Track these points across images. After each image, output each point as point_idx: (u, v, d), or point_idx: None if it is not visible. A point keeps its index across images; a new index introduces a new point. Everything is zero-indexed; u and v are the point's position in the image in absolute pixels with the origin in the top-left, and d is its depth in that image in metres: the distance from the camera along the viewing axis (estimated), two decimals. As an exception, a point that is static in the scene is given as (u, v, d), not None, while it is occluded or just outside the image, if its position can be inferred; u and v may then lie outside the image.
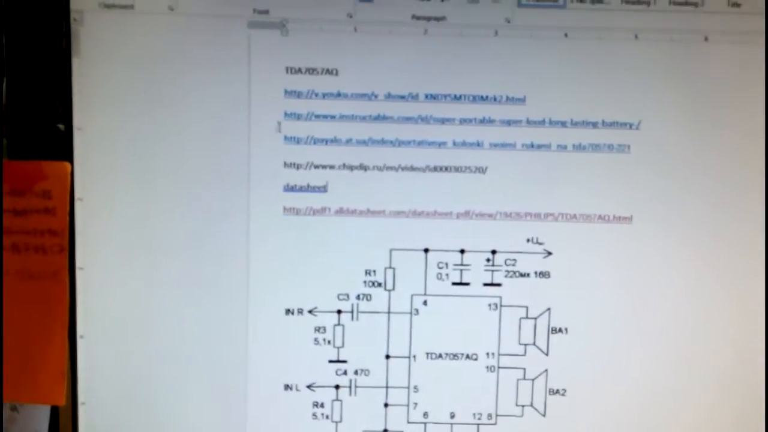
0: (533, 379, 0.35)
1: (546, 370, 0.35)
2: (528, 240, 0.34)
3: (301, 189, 0.33)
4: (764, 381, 0.35)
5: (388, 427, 0.35)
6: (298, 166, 0.33)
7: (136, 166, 0.33)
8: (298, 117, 0.33)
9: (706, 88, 0.33)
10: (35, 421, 0.33)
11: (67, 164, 0.31)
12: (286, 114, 0.33)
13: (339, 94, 0.33)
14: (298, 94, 0.33)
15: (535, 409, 0.35)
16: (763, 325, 0.35)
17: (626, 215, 0.34)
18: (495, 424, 0.35)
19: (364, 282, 0.34)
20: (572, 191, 0.34)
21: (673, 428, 0.35)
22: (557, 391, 0.35)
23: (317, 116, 0.33)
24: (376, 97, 0.33)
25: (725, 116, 0.33)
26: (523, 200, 0.34)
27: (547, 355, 0.35)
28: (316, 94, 0.33)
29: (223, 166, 0.33)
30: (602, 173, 0.33)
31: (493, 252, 0.34)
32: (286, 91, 0.33)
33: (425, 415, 0.35)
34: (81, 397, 0.34)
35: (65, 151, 0.32)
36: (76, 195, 0.33)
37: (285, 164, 0.33)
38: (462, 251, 0.34)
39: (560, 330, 0.35)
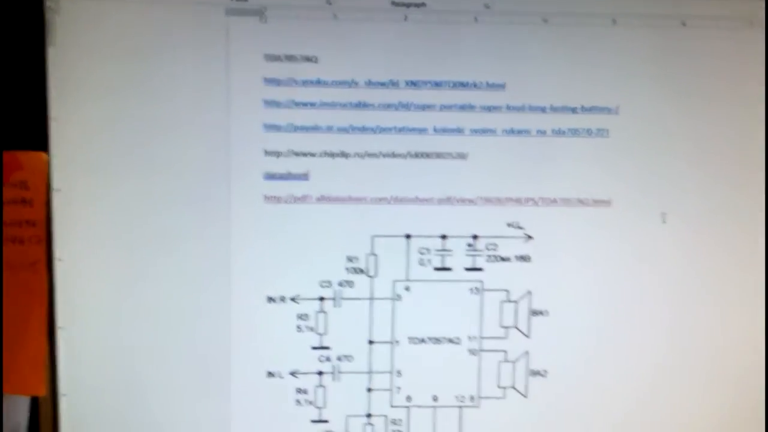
0: (515, 361, 0.34)
1: (527, 352, 0.35)
2: (509, 225, 0.34)
3: (282, 177, 0.33)
4: (747, 359, 0.35)
5: (372, 412, 0.34)
6: (278, 154, 0.32)
7: (114, 156, 0.32)
8: (278, 105, 0.32)
9: (684, 73, 0.33)
10: (16, 412, 0.33)
11: (44, 155, 0.30)
12: (265, 102, 0.32)
13: (319, 82, 0.32)
14: (277, 82, 0.32)
15: (517, 391, 0.35)
16: (746, 304, 0.35)
17: (605, 199, 0.33)
18: (477, 406, 0.35)
19: (347, 269, 0.33)
20: (552, 176, 0.33)
21: (653, 407, 0.35)
22: (538, 373, 0.35)
23: (297, 104, 0.32)
24: (356, 84, 0.32)
25: (703, 101, 0.33)
26: (503, 185, 0.33)
27: (528, 337, 0.34)
28: (296, 82, 0.32)
29: (202, 154, 0.32)
30: (581, 158, 0.33)
31: (475, 237, 0.33)
32: (265, 79, 0.32)
33: (408, 398, 0.34)
34: (62, 388, 0.33)
35: (42, 142, 0.31)
36: (54, 186, 0.32)
37: (265, 152, 0.32)
38: (443, 237, 0.33)
39: (541, 312, 0.34)
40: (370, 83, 0.32)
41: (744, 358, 0.35)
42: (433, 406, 0.35)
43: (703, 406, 0.35)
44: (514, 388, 0.35)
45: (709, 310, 0.35)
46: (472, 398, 0.35)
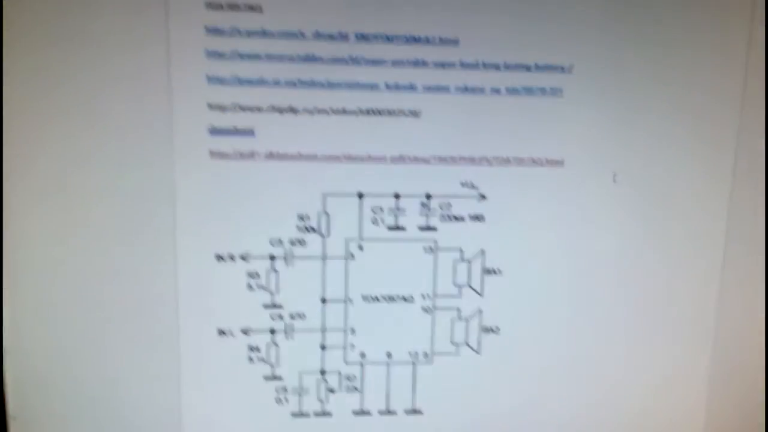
0: (468, 319, 0.34)
1: (480, 310, 0.34)
2: (462, 184, 0.32)
3: (228, 132, 0.31)
4: (695, 313, 0.34)
5: (326, 368, 0.33)
6: (223, 108, 0.30)
7: (51, 110, 0.30)
8: (221, 56, 0.30)
9: (637, 31, 0.31)
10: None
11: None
12: (207, 53, 0.30)
13: (264, 33, 0.30)
14: (220, 32, 0.30)
15: (470, 347, 0.34)
16: (695, 260, 0.34)
17: (558, 159, 0.32)
18: (431, 362, 0.34)
19: (298, 227, 0.32)
20: (506, 135, 0.32)
21: (603, 363, 0.35)
22: (491, 330, 0.34)
23: (242, 56, 0.30)
24: (303, 36, 0.30)
25: (657, 60, 0.32)
26: (457, 144, 0.32)
27: (481, 295, 0.33)
28: (240, 32, 0.30)
29: (142, 107, 0.30)
30: (535, 117, 0.32)
31: (428, 196, 0.32)
32: (206, 29, 0.29)
33: (362, 355, 0.34)
34: (6, 346, 0.32)
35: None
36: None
37: (209, 106, 0.30)
38: (397, 196, 0.32)
39: (494, 271, 0.33)
40: (317, 35, 0.30)
41: (692, 312, 0.35)
42: (387, 363, 0.34)
43: (653, 363, 0.35)
44: (467, 344, 0.34)
45: (659, 268, 0.34)
46: (425, 355, 0.34)
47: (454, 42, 0.31)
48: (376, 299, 0.33)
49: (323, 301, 0.33)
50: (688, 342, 0.35)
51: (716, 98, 0.33)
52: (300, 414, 0.34)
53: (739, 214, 0.34)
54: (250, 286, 0.33)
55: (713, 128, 0.33)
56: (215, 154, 0.31)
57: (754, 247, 0.35)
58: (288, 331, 0.33)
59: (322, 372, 0.34)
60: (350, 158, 0.32)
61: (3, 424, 0.32)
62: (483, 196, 0.33)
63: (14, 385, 0.32)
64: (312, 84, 0.31)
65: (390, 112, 0.31)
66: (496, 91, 0.32)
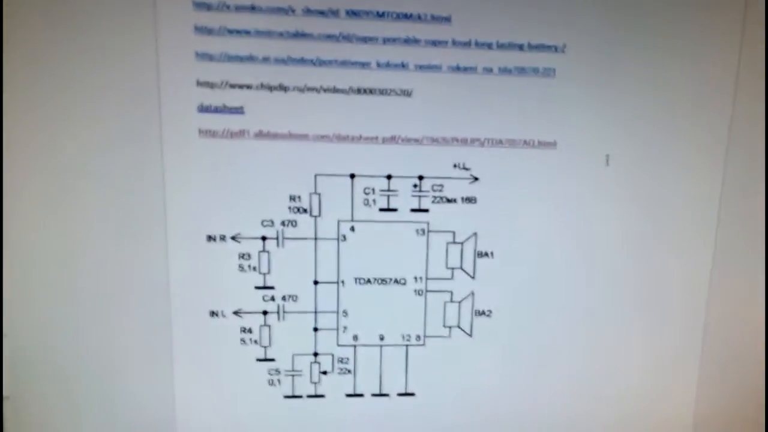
0: (460, 302, 0.33)
1: (472, 293, 0.33)
2: (455, 165, 0.31)
3: (217, 110, 0.30)
4: (687, 296, 0.34)
5: (319, 350, 0.33)
6: (212, 85, 0.30)
7: (38, 89, 0.29)
8: (210, 32, 0.29)
9: (632, 11, 0.31)
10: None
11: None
12: (196, 28, 0.29)
13: (253, 8, 0.29)
14: (207, 6, 0.29)
15: (462, 330, 0.33)
16: (687, 244, 0.34)
17: (550, 140, 0.32)
18: (423, 344, 0.33)
19: (289, 208, 0.31)
20: (498, 116, 0.31)
21: (595, 347, 0.34)
22: (483, 313, 0.34)
23: (231, 32, 0.29)
24: (293, 11, 0.29)
25: (652, 40, 0.31)
26: (449, 125, 0.31)
27: (473, 278, 0.33)
28: (228, 7, 0.29)
29: (130, 84, 0.29)
30: (528, 98, 0.31)
31: (420, 178, 0.31)
32: (194, 3, 0.29)
33: (355, 338, 0.33)
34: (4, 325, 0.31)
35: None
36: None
37: (198, 83, 0.29)
38: (389, 177, 0.31)
39: (486, 254, 0.33)
40: (308, 11, 0.29)
41: (685, 295, 0.35)
42: (380, 345, 0.33)
43: (644, 345, 0.35)
44: (459, 327, 0.33)
45: (652, 250, 0.34)
46: (418, 337, 0.33)
47: (447, 20, 0.30)
48: (369, 281, 0.33)
49: (315, 283, 0.33)
50: (680, 325, 0.35)
51: (710, 80, 0.32)
52: (293, 396, 0.34)
53: (732, 196, 0.34)
54: (241, 267, 0.32)
55: (707, 110, 0.33)
56: (204, 132, 0.30)
57: (747, 230, 0.34)
58: (280, 313, 0.33)
59: (315, 354, 0.33)
60: (341, 138, 0.31)
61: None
62: (475, 178, 0.32)
63: (8, 365, 0.32)
64: (302, 61, 0.30)
65: (382, 91, 0.31)
66: (489, 70, 0.31)
